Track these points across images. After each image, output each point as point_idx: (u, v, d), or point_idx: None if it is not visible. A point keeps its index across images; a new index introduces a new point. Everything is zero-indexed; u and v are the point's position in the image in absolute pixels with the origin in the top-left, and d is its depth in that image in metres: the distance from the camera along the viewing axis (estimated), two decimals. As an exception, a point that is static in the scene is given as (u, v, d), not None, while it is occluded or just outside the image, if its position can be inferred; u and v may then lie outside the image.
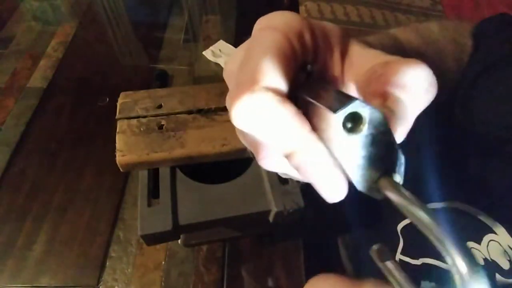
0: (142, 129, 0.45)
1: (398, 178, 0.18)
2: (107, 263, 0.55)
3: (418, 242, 0.41)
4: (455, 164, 0.39)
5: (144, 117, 0.46)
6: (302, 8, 1.24)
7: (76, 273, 0.54)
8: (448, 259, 0.14)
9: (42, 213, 0.60)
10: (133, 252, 0.56)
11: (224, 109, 0.46)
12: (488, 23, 0.43)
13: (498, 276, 0.33)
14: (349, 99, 0.16)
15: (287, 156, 0.18)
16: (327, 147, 0.17)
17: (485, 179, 0.36)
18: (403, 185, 0.19)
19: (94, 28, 0.95)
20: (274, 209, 0.42)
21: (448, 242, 0.15)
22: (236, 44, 0.85)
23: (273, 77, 0.17)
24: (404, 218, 0.44)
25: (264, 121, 0.17)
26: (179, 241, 0.55)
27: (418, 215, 0.16)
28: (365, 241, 0.59)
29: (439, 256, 0.35)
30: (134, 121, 0.46)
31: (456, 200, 0.38)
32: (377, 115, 0.17)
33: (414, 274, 0.40)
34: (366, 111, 0.16)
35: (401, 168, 0.18)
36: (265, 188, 0.44)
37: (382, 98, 0.18)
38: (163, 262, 0.55)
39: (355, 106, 0.16)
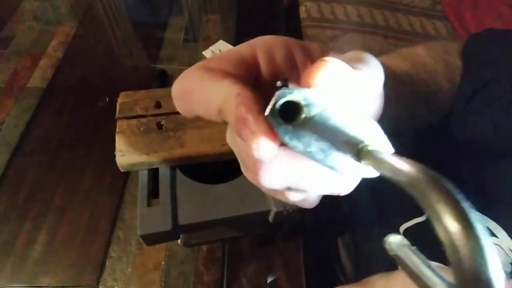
0: (141, 129, 0.45)
1: (382, 146, 0.17)
2: (107, 263, 0.55)
3: (421, 244, 0.41)
4: (455, 171, 0.39)
5: (144, 117, 0.46)
6: (302, 8, 1.24)
7: (76, 273, 0.54)
8: (434, 219, 0.11)
9: (42, 213, 0.60)
10: (133, 252, 0.56)
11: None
12: (475, 40, 0.44)
13: None
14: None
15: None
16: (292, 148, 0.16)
17: (485, 184, 0.36)
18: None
19: (94, 28, 0.95)
20: (274, 209, 0.42)
21: (433, 195, 0.11)
22: (236, 44, 0.84)
23: (218, 64, 0.20)
24: (408, 219, 0.44)
25: (191, 97, 0.20)
26: (179, 241, 0.55)
27: (399, 172, 0.13)
28: (366, 242, 0.59)
29: (444, 258, 0.35)
30: (134, 121, 0.46)
31: None
32: (309, 93, 0.16)
33: None
34: (296, 96, 0.16)
35: (376, 134, 0.17)
36: (265, 188, 0.44)
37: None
38: (163, 262, 0.55)
39: (280, 96, 0.15)
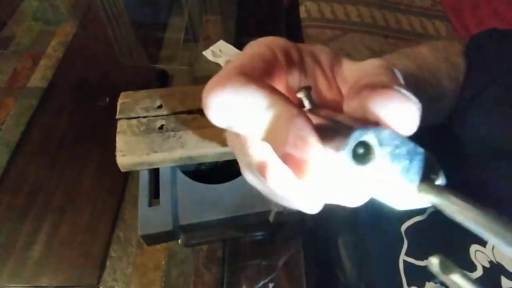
0: (142, 129, 0.45)
1: (439, 180, 0.17)
2: (107, 263, 0.55)
3: (423, 243, 0.41)
4: (457, 171, 0.39)
5: (144, 117, 0.46)
6: (302, 8, 1.24)
7: (76, 273, 0.54)
8: None
9: (42, 213, 0.60)
10: (133, 252, 0.56)
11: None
12: (477, 40, 0.44)
13: (503, 278, 0.33)
14: (349, 131, 0.15)
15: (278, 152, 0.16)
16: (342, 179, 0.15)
17: (487, 185, 0.36)
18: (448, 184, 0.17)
19: (94, 28, 0.95)
20: (274, 209, 0.42)
21: None
22: (236, 44, 0.85)
23: (247, 69, 0.17)
24: (408, 218, 0.44)
25: (236, 106, 0.16)
26: (179, 241, 0.55)
27: (475, 219, 0.14)
28: (367, 241, 0.59)
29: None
30: (134, 121, 0.46)
31: None
32: (383, 133, 0.15)
33: (419, 275, 0.40)
34: (371, 137, 0.15)
35: (435, 167, 0.17)
36: (265, 188, 0.44)
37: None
38: (163, 262, 0.55)
39: (356, 137, 0.15)
